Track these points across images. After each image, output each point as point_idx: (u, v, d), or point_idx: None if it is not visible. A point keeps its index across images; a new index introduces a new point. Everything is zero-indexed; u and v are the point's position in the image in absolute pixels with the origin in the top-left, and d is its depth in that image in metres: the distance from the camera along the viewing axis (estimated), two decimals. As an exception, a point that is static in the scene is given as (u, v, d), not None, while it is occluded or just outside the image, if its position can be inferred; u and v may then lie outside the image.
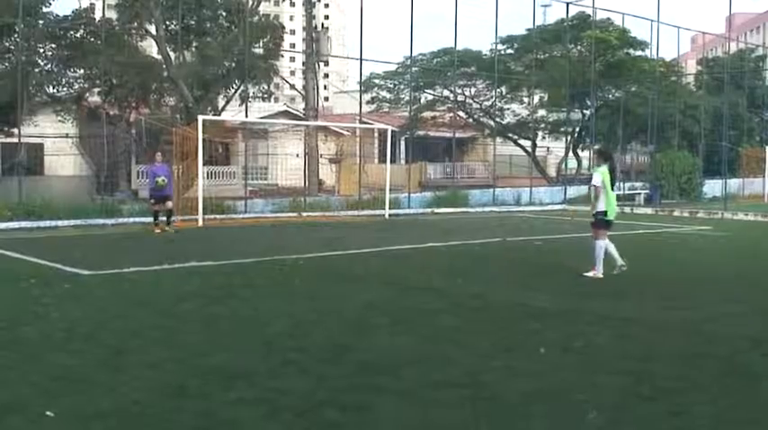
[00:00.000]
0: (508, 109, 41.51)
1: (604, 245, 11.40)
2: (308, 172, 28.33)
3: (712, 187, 36.34)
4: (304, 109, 31.39)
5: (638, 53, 40.16)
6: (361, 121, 32.32)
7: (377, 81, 40.92)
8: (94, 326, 7.83)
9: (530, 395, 5.61)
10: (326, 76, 59.14)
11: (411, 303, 9.32)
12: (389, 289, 10.49)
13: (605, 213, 11.41)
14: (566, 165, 41.29)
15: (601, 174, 11.40)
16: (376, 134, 34.57)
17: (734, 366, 6.54)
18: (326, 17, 71.92)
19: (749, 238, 19.32)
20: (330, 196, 29.29)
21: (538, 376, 6.11)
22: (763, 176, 38.16)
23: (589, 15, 38.00)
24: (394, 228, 21.31)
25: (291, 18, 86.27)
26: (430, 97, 41.81)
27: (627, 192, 34.78)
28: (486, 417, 5.12)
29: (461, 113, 40.31)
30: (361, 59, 29.19)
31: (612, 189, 11.48)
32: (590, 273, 11.34)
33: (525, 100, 41.42)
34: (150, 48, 29.28)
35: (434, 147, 42.58)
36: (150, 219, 19.29)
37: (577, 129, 41.77)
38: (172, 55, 28.09)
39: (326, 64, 46.43)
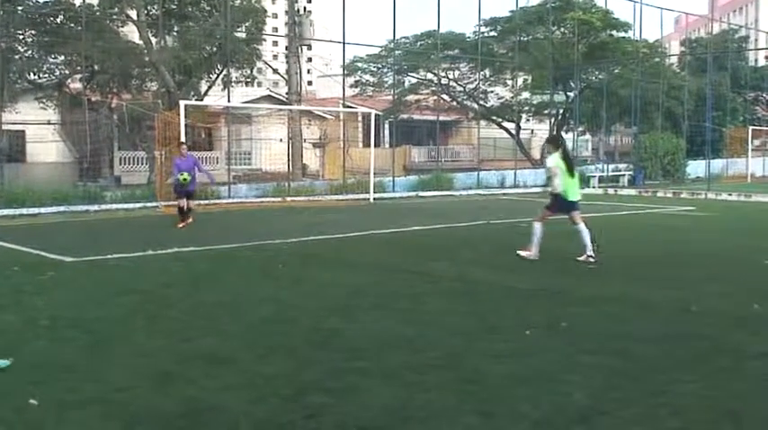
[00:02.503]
0: (492, 92, 41.45)
1: (542, 228, 11.43)
2: (292, 156, 28.24)
3: (696, 168, 36.54)
4: (287, 93, 31.24)
5: (622, 35, 40.17)
6: (344, 105, 32.22)
7: (360, 65, 40.74)
8: (78, 313, 7.79)
9: (514, 376, 5.62)
10: (310, 59, 58.82)
11: (396, 286, 9.32)
12: (375, 273, 10.48)
13: (565, 194, 11.44)
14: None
15: (554, 161, 11.47)
16: (360, 118, 34.48)
17: (720, 345, 6.57)
18: (309, 0, 71.48)
19: (733, 218, 19.45)
20: (314, 181, 29.24)
21: (522, 357, 6.12)
22: (747, 156, 38.41)
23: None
24: (378, 212, 21.30)
25: (273, 1, 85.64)
26: (413, 80, 41.66)
27: (610, 173, 34.94)
28: (470, 399, 5.13)
29: (445, 96, 40.25)
30: (344, 43, 29.05)
31: (573, 174, 11.47)
32: (524, 253, 11.41)
33: (509, 82, 41.36)
34: (131, 33, 28.97)
35: (419, 131, 42.54)
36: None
37: (561, 112, 41.81)
38: (153, 40, 27.86)
39: (309, 48, 46.14)
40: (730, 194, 26.89)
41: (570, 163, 11.54)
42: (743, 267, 11.21)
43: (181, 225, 16.52)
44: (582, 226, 11.48)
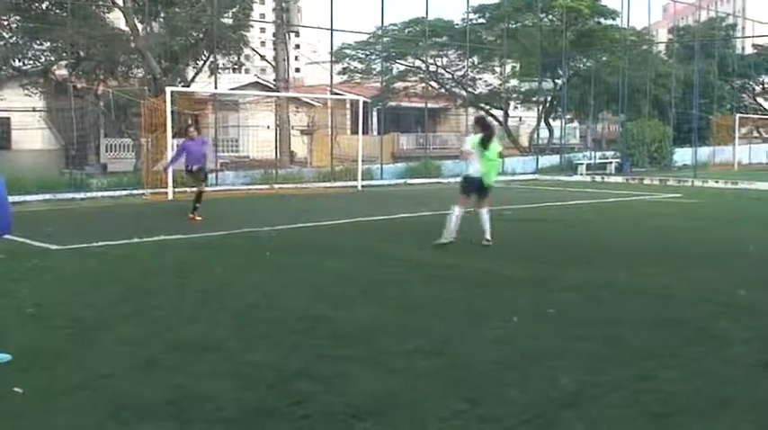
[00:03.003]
0: (480, 79, 41.46)
1: (460, 212, 11.33)
2: (280, 144, 28.14)
3: (683, 155, 36.64)
4: (275, 80, 31.12)
5: (610, 22, 40.23)
6: (332, 92, 32.12)
7: (348, 51, 40.66)
8: (64, 300, 7.74)
9: (502, 362, 5.62)
10: (298, 46, 58.59)
11: (384, 273, 9.31)
12: (363, 259, 10.47)
13: (478, 178, 11.37)
14: (537, 134, 41.38)
15: (470, 142, 11.45)
16: (348, 105, 34.38)
17: (706, 331, 6.60)
18: None
19: (719, 205, 19.54)
20: (302, 168, 29.17)
21: (510, 343, 6.13)
22: (734, 144, 38.54)
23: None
24: (366, 199, 21.28)
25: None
26: (402, 68, 41.63)
27: (598, 161, 35.03)
28: (458, 385, 5.12)
29: (433, 84, 40.20)
30: (332, 30, 28.93)
31: (490, 158, 11.35)
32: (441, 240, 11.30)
33: (497, 70, 41.36)
34: (118, 20, 28.74)
35: (407, 118, 42.51)
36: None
37: (549, 99, 41.84)
38: (139, 26, 27.66)
39: (297, 34, 45.98)
40: (717, 182, 27.00)
41: (487, 146, 11.34)
42: (729, 254, 11.25)
43: (199, 218, 14.84)
44: (485, 212, 11.43)
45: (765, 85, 51.90)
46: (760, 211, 18.31)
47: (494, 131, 12.11)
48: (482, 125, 11.88)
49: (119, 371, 5.41)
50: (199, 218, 14.85)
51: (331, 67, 31.43)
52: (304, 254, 10.93)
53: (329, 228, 14.30)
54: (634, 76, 37.96)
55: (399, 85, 40.65)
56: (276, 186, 24.00)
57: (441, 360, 5.71)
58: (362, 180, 25.49)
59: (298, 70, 54.63)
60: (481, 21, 40.65)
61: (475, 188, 11.50)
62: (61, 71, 28.35)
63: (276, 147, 27.49)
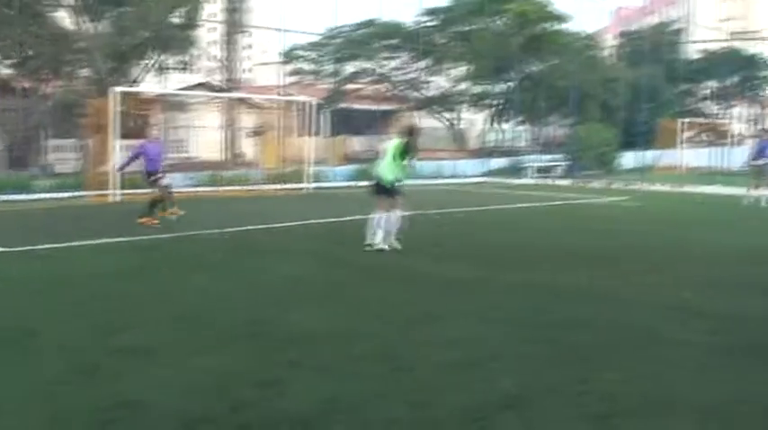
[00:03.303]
0: (432, 81, 41.59)
1: (382, 216, 11.28)
2: (229, 145, 27.91)
3: (630, 159, 37.19)
4: (224, 80, 30.87)
5: (560, 26, 40.66)
6: (282, 94, 31.96)
7: (299, 52, 40.46)
8: (5, 305, 7.59)
9: (445, 365, 5.66)
10: (250, 46, 58.26)
11: (331, 277, 9.30)
12: (311, 263, 10.42)
13: (382, 179, 11.42)
14: (485, 137, 41.68)
15: (388, 143, 11.54)
16: (298, 107, 34.20)
17: (649, 333, 6.70)
18: None
19: (663, 208, 19.88)
20: (251, 170, 28.95)
21: (454, 346, 6.16)
22: (678, 148, 39.20)
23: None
24: (316, 201, 21.22)
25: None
26: (353, 69, 41.57)
27: (547, 164, 35.39)
28: (401, 389, 5.14)
29: (385, 86, 40.23)
30: (282, 30, 28.84)
31: (397, 162, 11.35)
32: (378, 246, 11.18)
33: (449, 72, 41.53)
34: (65, 19, 28.20)
35: (359, 120, 42.45)
36: None
37: (500, 102, 42.15)
38: (87, 25, 27.18)
39: (248, 34, 45.69)
40: (663, 185, 27.47)
41: (406, 152, 11.34)
42: (673, 256, 11.45)
43: (155, 222, 14.28)
44: (390, 215, 11.29)
45: (712, 89, 52.82)
46: (704, 215, 18.68)
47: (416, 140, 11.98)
48: (408, 131, 11.78)
49: (61, 377, 5.32)
50: (155, 221, 14.32)
51: (281, 68, 31.29)
52: (252, 256, 10.87)
53: (278, 230, 14.23)
54: (583, 80, 38.41)
55: (350, 86, 40.56)
56: (223, 188, 23.76)
57: (385, 363, 5.71)
58: (313, 182, 25.39)
59: (249, 71, 54.24)
60: (434, 23, 40.78)
61: (379, 190, 11.52)
62: (6, 70, 27.75)
63: (224, 149, 27.24)
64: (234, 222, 14.83)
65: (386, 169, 11.50)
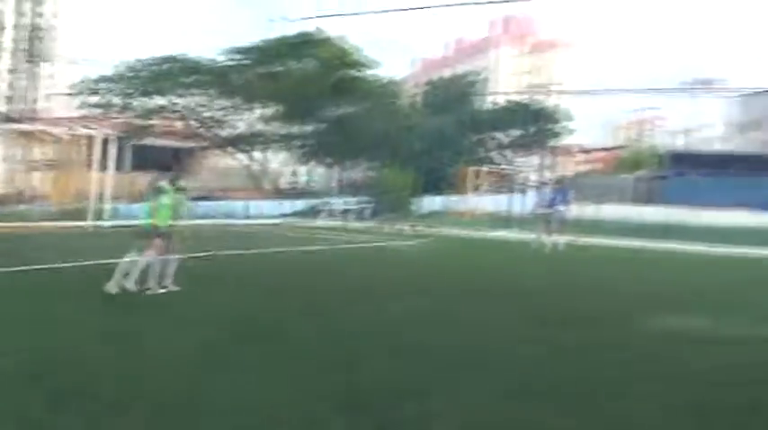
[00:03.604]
0: (234, 120, 41.45)
1: (150, 260, 11.26)
2: (10, 179, 26.46)
3: (428, 203, 38.40)
4: (12, 110, 29.40)
5: (366, 72, 41.70)
6: (75, 127, 30.73)
7: (94, 85, 39.02)
8: None
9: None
10: (51, 76, 55.84)
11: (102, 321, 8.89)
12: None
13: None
14: (289, 179, 41.88)
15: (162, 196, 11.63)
16: (93, 141, 33.03)
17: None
18: (40, 16, 66.19)
19: (454, 251, 20.61)
20: (36, 205, 27.55)
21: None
22: (468, 193, 40.85)
23: (312, 34, 38.91)
24: (94, 239, 20.39)
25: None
26: (157, 103, 40.73)
27: (346, 206, 35.97)
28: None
29: (182, 123, 39.66)
30: (76, 62, 27.90)
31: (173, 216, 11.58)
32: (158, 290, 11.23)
33: (257, 112, 41.56)
34: None
35: (160, 156, 41.57)
36: None
37: (307, 143, 42.53)
38: None
39: (46, 64, 43.72)
40: (459, 228, 28.54)
41: (176, 205, 11.63)
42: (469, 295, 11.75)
43: None
44: (145, 258, 11.26)
45: (511, 139, 55.00)
46: (481, 257, 19.52)
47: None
48: (178, 187, 11.91)
49: None
50: None
51: (74, 101, 30.18)
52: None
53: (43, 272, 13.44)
54: (385, 126, 39.46)
55: (146, 122, 39.66)
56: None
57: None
58: (105, 219, 24.44)
59: (40, 101, 51.76)
60: (242, 62, 40.72)
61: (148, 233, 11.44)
62: None
63: (5, 183, 25.80)
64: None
65: (147, 212, 11.29)
